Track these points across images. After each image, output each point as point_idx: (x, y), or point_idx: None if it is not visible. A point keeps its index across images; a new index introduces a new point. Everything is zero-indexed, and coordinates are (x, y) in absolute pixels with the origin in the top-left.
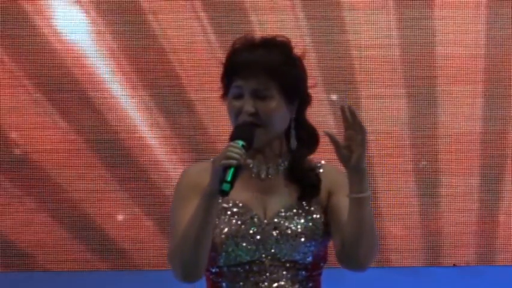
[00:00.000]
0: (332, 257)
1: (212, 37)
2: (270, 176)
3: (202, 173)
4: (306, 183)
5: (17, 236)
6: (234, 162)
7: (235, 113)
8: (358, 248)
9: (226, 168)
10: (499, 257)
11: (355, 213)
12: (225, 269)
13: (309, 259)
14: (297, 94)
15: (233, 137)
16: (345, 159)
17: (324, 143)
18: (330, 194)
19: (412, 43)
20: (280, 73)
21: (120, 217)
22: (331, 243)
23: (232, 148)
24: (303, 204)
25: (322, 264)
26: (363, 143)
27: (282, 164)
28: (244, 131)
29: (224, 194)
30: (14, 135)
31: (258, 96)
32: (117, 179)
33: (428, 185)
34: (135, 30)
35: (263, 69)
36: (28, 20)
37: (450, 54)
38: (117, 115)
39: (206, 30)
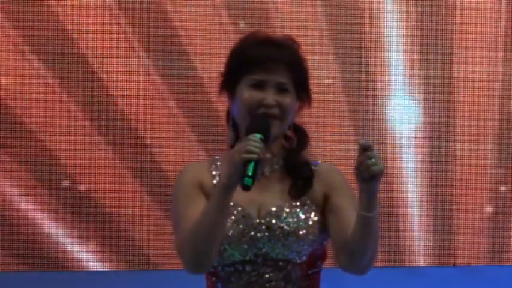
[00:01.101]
0: (332, 256)
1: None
2: (265, 175)
3: (201, 170)
4: (298, 177)
5: (17, 236)
6: (254, 156)
7: (255, 104)
8: (361, 259)
9: (246, 162)
10: (499, 257)
11: (361, 229)
12: (219, 268)
13: (304, 258)
14: (304, 93)
15: (250, 130)
16: (358, 177)
17: (315, 143)
18: (327, 195)
19: (414, 43)
20: (298, 70)
21: (121, 216)
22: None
23: (253, 142)
24: (298, 203)
25: (319, 263)
26: (376, 169)
27: (277, 164)
28: (261, 123)
29: (247, 188)
30: (24, 130)
31: (280, 89)
32: (120, 179)
33: (428, 185)
34: (158, 29)
35: (285, 65)
36: (53, 18)
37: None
38: (136, 113)
39: (228, 32)
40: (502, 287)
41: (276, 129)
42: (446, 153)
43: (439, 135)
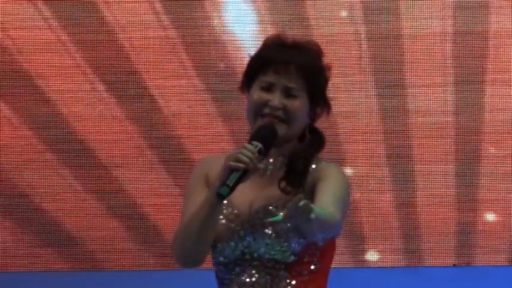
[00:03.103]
0: (334, 256)
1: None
2: (266, 174)
3: (214, 163)
4: (291, 171)
5: (17, 236)
6: (241, 166)
7: (260, 104)
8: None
9: (232, 170)
10: (499, 258)
11: None
12: (215, 268)
13: (292, 258)
14: (320, 100)
15: (253, 136)
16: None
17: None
18: (317, 183)
19: (411, 44)
20: (311, 76)
21: (121, 217)
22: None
23: (246, 151)
24: (287, 201)
25: (316, 264)
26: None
27: (284, 165)
28: (267, 133)
29: (220, 197)
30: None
31: (288, 94)
32: (118, 180)
33: (428, 185)
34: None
35: (297, 69)
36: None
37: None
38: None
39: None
40: (502, 287)
41: (282, 132)
42: (446, 153)
43: (439, 135)
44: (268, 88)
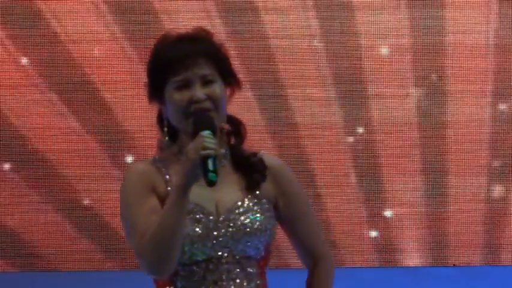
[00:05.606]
0: (334, 256)
1: None
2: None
3: (152, 173)
4: (251, 170)
5: (17, 236)
6: (212, 152)
7: (185, 103)
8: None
9: (205, 159)
10: (499, 257)
11: None
12: (179, 267)
13: (262, 253)
14: (231, 79)
15: (198, 129)
16: None
17: (316, 143)
18: (281, 197)
19: (418, 44)
20: (218, 58)
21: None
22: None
23: (207, 139)
24: (253, 197)
25: (270, 257)
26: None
27: (225, 158)
28: (206, 120)
29: (213, 184)
30: (22, 133)
31: (207, 82)
32: (118, 179)
33: (428, 185)
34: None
35: (204, 56)
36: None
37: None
38: None
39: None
40: (502, 287)
41: (217, 122)
42: (447, 153)
43: (438, 135)
44: (185, 85)
